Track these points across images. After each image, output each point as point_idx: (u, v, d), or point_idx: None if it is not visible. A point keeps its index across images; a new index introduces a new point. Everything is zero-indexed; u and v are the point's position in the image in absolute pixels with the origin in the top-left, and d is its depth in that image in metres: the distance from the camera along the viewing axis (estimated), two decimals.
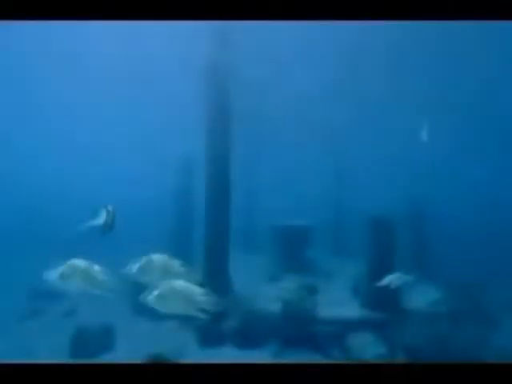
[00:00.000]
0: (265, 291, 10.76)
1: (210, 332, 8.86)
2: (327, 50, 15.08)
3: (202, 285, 10.17)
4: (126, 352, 8.31)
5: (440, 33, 13.05)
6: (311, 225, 14.49)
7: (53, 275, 3.51)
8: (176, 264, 3.85)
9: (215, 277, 9.89)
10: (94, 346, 8.39)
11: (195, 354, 8.26)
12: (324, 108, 19.54)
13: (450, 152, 22.64)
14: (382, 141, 22.71)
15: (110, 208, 3.97)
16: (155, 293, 3.52)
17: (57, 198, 30.77)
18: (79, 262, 3.64)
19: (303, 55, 15.53)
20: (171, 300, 3.52)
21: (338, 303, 9.88)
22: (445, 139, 20.78)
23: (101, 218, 3.92)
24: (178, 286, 3.58)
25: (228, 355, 8.22)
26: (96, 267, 3.69)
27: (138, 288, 3.83)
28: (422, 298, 10.04)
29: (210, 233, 10.17)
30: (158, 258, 3.83)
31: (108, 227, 3.92)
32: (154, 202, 22.34)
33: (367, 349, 8.04)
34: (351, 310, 9.48)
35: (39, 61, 17.90)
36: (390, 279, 6.75)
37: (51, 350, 8.25)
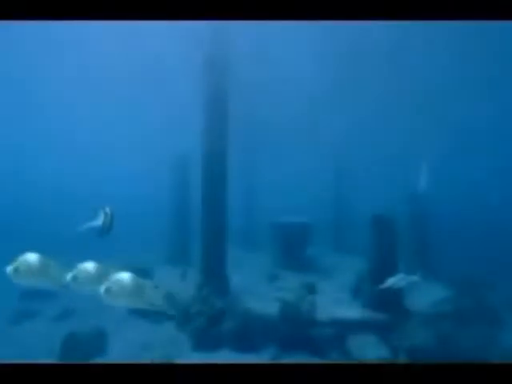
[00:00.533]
0: (264, 291, 10.66)
1: (206, 334, 8.63)
2: (327, 49, 15.08)
3: (200, 286, 10.03)
4: (119, 355, 8.12)
5: (440, 33, 13.04)
6: (312, 224, 14.42)
7: (9, 270, 3.49)
8: (107, 271, 3.79)
9: (213, 277, 9.80)
10: (87, 349, 8.16)
11: (190, 358, 7.99)
12: (323, 107, 19.54)
13: (451, 151, 22.63)
14: (382, 140, 22.69)
15: (107, 210, 3.97)
16: (103, 286, 3.47)
17: (55, 198, 30.73)
18: (33, 257, 3.58)
19: (303, 55, 15.52)
20: (119, 293, 3.47)
21: (339, 304, 9.73)
22: (445, 138, 20.81)
23: (99, 220, 3.93)
24: (126, 279, 3.53)
25: (225, 358, 7.93)
26: (51, 262, 3.65)
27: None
28: (425, 298, 9.87)
29: (208, 232, 10.07)
30: (90, 265, 3.75)
31: (106, 229, 3.92)
32: (152, 202, 22.33)
33: (370, 352, 7.88)
34: (353, 311, 9.29)
35: (39, 61, 17.90)
36: (394, 280, 6.61)
37: (43, 353, 8.04)
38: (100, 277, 3.64)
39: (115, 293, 3.46)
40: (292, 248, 14.05)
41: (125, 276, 3.54)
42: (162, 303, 3.58)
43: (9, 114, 25.84)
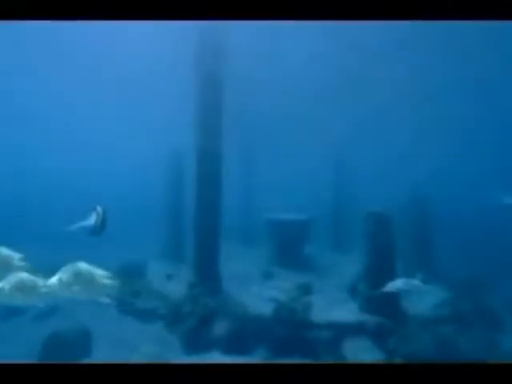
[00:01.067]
0: (257, 291, 10.50)
1: (197, 335, 8.38)
2: (327, 49, 15.07)
3: (192, 285, 9.77)
4: (107, 355, 7.79)
5: (440, 33, 13.04)
6: (309, 222, 14.33)
7: None
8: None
9: (206, 276, 9.69)
10: (74, 350, 7.83)
11: (181, 359, 7.75)
12: (323, 105, 19.52)
13: (451, 150, 22.61)
14: (381, 139, 22.68)
15: (99, 209, 3.94)
16: (56, 277, 3.39)
17: (52, 197, 30.57)
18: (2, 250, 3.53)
19: (302, 53, 15.52)
20: (73, 284, 3.41)
21: (335, 305, 9.51)
22: (445, 137, 20.80)
23: (91, 220, 3.90)
24: (80, 270, 3.46)
25: (216, 359, 7.70)
26: (17, 255, 3.58)
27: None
28: (424, 299, 9.68)
29: (203, 231, 10.00)
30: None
31: (98, 229, 3.89)
32: (147, 200, 22.26)
33: (366, 355, 7.65)
34: (349, 312, 9.05)
35: (39, 61, 17.90)
36: (395, 284, 6.49)
37: (28, 353, 7.58)
38: (27, 287, 3.46)
39: (68, 283, 3.37)
40: (287, 247, 13.84)
41: (76, 266, 3.46)
42: (116, 294, 3.52)
43: (8, 113, 25.88)
